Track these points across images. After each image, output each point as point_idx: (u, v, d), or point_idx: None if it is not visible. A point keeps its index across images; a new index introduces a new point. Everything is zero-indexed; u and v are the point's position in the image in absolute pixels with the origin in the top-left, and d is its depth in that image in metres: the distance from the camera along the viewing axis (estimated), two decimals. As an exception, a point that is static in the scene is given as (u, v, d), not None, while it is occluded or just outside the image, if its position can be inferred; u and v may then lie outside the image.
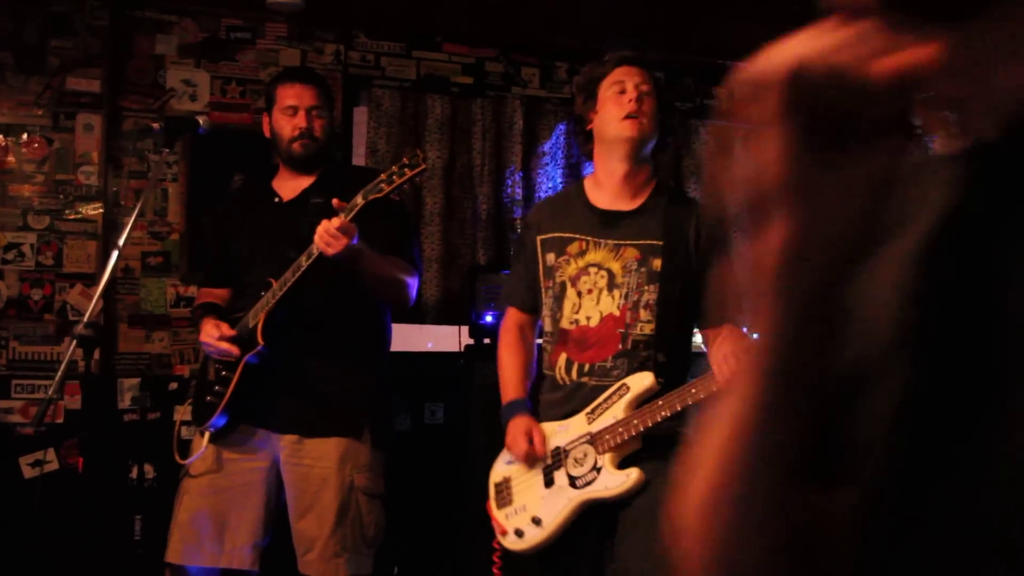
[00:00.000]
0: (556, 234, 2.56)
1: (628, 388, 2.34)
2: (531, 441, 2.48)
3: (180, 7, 4.22)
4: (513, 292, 2.71)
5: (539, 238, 2.59)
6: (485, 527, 3.82)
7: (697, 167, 4.97)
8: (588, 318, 2.45)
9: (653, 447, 2.32)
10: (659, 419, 2.25)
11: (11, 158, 4.00)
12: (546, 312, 2.57)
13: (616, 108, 2.44)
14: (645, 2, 4.17)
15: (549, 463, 2.45)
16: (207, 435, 2.86)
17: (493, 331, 4.00)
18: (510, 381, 2.62)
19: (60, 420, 3.97)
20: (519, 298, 2.68)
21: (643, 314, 2.41)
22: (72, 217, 4.05)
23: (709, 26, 4.52)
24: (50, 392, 2.62)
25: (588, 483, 2.33)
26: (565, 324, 2.49)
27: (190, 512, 2.83)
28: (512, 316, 2.71)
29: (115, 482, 3.97)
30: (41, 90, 4.03)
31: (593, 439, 2.36)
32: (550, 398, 2.54)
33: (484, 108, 4.61)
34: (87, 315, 2.71)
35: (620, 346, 2.41)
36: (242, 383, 2.78)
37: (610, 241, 2.47)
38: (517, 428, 2.52)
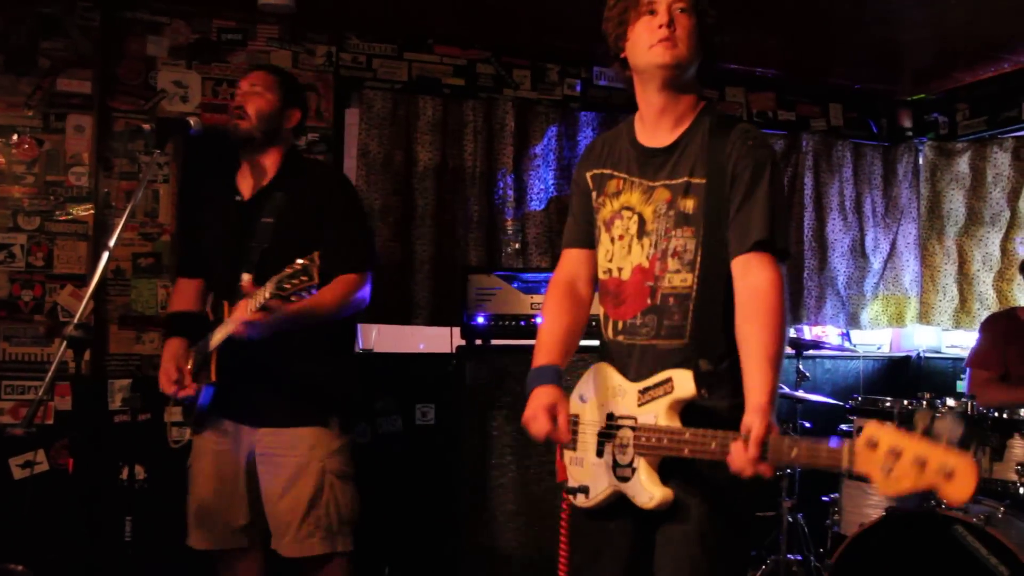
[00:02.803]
0: (599, 170, 2.35)
1: (672, 387, 2.09)
2: (555, 420, 2.15)
3: (171, 8, 4.22)
4: (567, 232, 2.45)
5: (588, 173, 2.39)
6: (476, 528, 3.84)
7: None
8: (620, 269, 2.25)
9: (694, 464, 2.08)
10: (683, 455, 2.01)
11: (1, 159, 3.99)
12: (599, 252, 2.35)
13: (647, 33, 2.15)
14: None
15: (603, 428, 2.22)
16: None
17: (485, 332, 4.02)
18: (543, 344, 2.30)
19: (50, 421, 3.96)
20: (570, 237, 2.43)
21: (671, 264, 2.17)
22: (63, 218, 4.04)
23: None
24: (40, 393, 2.60)
25: (624, 479, 2.15)
26: (601, 274, 2.32)
27: (193, 503, 3.11)
28: (563, 265, 2.44)
29: (105, 483, 3.96)
30: (31, 91, 4.02)
31: (636, 430, 2.11)
32: (606, 353, 2.33)
33: (475, 110, 4.61)
34: (77, 316, 2.69)
35: (648, 301, 2.19)
36: (217, 398, 3.02)
37: (645, 181, 2.23)
38: (539, 401, 2.17)
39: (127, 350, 4.11)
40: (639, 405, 2.15)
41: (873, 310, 5.35)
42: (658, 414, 2.09)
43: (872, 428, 1.64)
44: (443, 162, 4.57)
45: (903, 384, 5.19)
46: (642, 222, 2.22)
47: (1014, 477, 3.31)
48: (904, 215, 5.42)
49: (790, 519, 4.15)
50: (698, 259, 2.14)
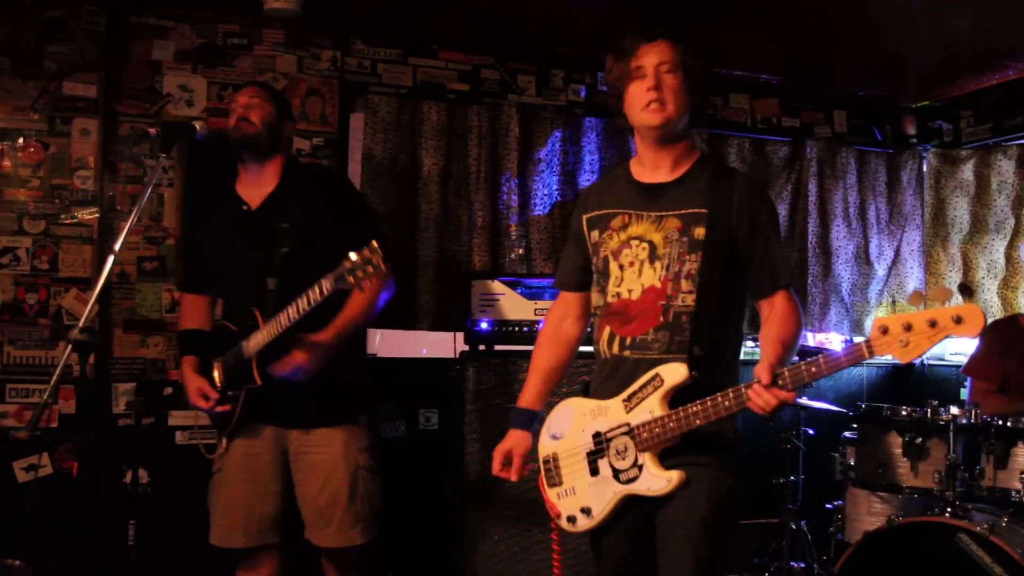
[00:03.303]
0: (599, 211, 2.52)
1: (662, 380, 2.27)
2: (507, 463, 2.56)
3: (177, 13, 4.23)
4: (560, 275, 2.70)
5: (584, 217, 2.56)
6: (479, 533, 3.84)
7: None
8: (630, 291, 2.40)
9: (694, 445, 2.28)
10: (694, 425, 2.21)
11: (7, 162, 4.00)
12: (595, 289, 2.54)
13: (638, 95, 2.36)
14: (642, 10, 4.18)
15: (592, 449, 2.40)
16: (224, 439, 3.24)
17: (488, 338, 4.02)
18: (527, 384, 2.64)
19: (54, 424, 3.96)
20: (563, 279, 2.67)
21: (684, 284, 2.34)
22: (68, 222, 4.05)
23: (708, 35, 4.53)
24: (45, 396, 2.61)
25: (631, 479, 2.30)
26: (609, 298, 2.45)
27: (223, 503, 3.21)
28: (557, 304, 2.70)
29: (109, 487, 3.97)
30: (37, 95, 4.03)
31: (632, 432, 2.30)
32: (597, 373, 2.50)
33: (480, 115, 4.62)
34: (82, 320, 2.70)
35: (661, 318, 2.35)
36: (247, 402, 3.12)
37: (652, 213, 2.42)
38: (502, 444, 2.58)
39: (131, 354, 4.11)
40: (628, 412, 2.32)
41: (877, 317, 5.33)
42: (652, 409, 2.26)
43: (880, 319, 1.92)
44: (447, 167, 4.58)
45: (907, 391, 5.19)
46: (652, 248, 2.39)
47: (1018, 485, 3.31)
48: (908, 222, 5.42)
49: (793, 526, 4.15)
50: (704, 282, 2.33)
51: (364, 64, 4.54)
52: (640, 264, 2.40)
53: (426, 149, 4.54)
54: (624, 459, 2.31)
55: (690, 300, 2.33)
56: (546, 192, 4.71)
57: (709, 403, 2.19)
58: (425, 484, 4.23)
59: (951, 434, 3.36)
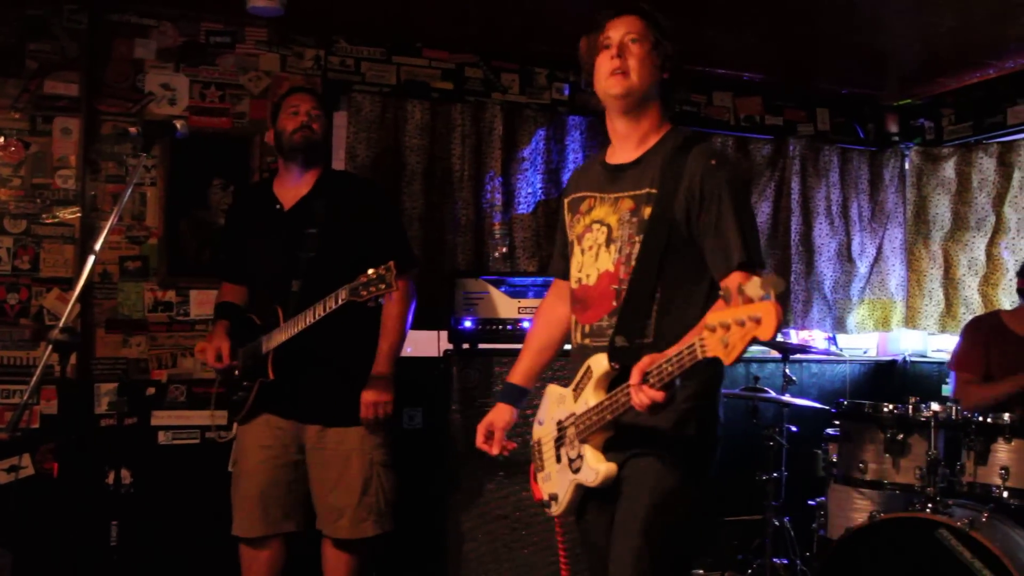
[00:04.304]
0: (575, 195, 2.51)
1: (591, 371, 2.25)
2: (489, 437, 2.58)
3: (159, 11, 4.21)
4: (552, 263, 2.70)
5: (566, 201, 2.56)
6: (464, 531, 3.84)
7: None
8: (588, 276, 2.38)
9: (650, 442, 2.24)
10: (606, 419, 2.17)
11: (-13, 161, 3.99)
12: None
13: (603, 65, 2.34)
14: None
15: (556, 436, 2.40)
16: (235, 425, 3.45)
17: (472, 336, 4.03)
18: (517, 362, 2.65)
19: (36, 425, 3.94)
20: (553, 265, 2.68)
21: (630, 267, 2.29)
22: (49, 221, 4.03)
23: (690, 33, 4.54)
24: (26, 397, 2.61)
25: (577, 469, 2.30)
26: (573, 284, 2.45)
27: (241, 494, 3.34)
28: (549, 292, 2.71)
29: (91, 487, 3.95)
30: (18, 93, 4.01)
31: (575, 422, 2.29)
32: (571, 361, 2.47)
33: (464, 113, 4.62)
34: (63, 320, 2.69)
35: (614, 303, 2.31)
36: (261, 393, 3.28)
37: (611, 195, 2.38)
38: (486, 417, 2.61)
39: (114, 354, 4.10)
40: (575, 402, 2.32)
41: (859, 314, 5.37)
42: (588, 400, 2.25)
43: (709, 315, 1.82)
44: (431, 166, 4.57)
45: (889, 388, 5.22)
46: (609, 231, 2.35)
47: (998, 481, 3.34)
48: (890, 220, 5.44)
49: (776, 523, 4.17)
50: (642, 261, 2.27)
51: (347, 63, 4.54)
52: (598, 248, 2.37)
53: (410, 148, 4.53)
54: (573, 448, 2.31)
55: (633, 283, 2.27)
56: (530, 191, 4.71)
57: (611, 397, 2.17)
58: (409, 483, 4.22)
59: (932, 430, 3.39)
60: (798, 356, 4.66)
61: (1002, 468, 3.34)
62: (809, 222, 5.26)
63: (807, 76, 5.26)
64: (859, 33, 4.53)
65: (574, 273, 2.44)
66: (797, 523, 4.21)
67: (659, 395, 1.99)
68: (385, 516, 3.35)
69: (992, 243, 5.06)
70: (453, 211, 4.59)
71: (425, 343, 4.45)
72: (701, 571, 4.20)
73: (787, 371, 4.34)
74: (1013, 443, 3.34)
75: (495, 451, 2.57)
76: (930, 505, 3.28)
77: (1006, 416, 3.38)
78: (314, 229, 3.27)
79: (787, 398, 4.19)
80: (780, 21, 4.40)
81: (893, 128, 5.60)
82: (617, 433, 2.25)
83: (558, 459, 2.39)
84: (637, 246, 2.27)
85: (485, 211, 4.64)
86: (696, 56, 4.90)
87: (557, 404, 2.42)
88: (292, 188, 3.40)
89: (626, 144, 2.41)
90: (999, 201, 5.04)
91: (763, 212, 5.16)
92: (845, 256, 5.35)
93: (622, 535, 2.23)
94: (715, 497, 2.39)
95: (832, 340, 5.45)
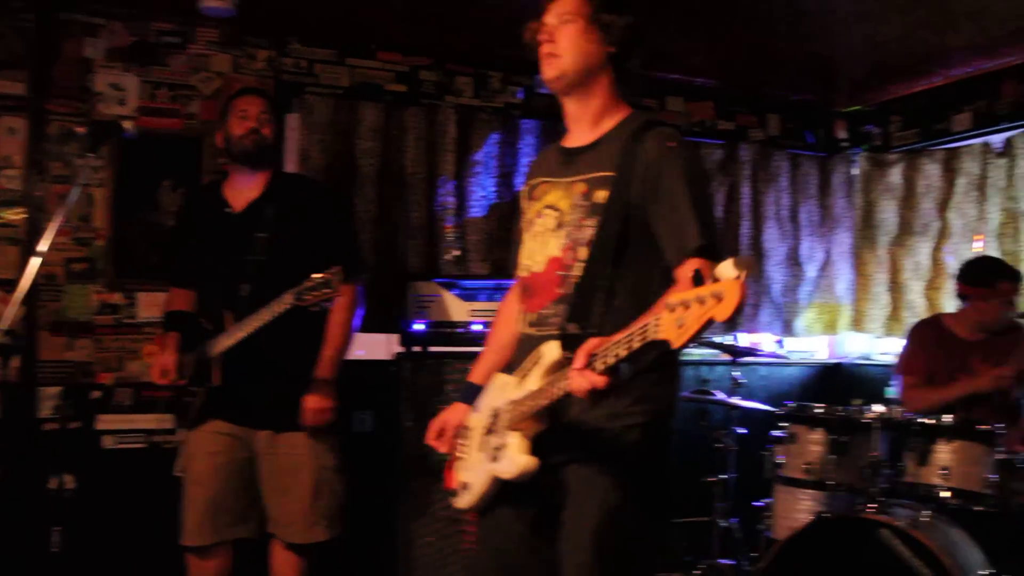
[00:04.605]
0: (532, 181, 2.42)
1: (542, 358, 2.11)
2: (441, 434, 2.44)
3: (108, 10, 4.16)
4: (513, 258, 2.51)
5: (523, 190, 2.45)
6: (414, 533, 3.84)
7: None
8: (535, 263, 2.28)
9: (593, 446, 2.12)
10: (541, 405, 2.04)
11: (-69, 161, 3.92)
12: None
13: (539, 51, 2.25)
14: (646, 27, 4.22)
15: (488, 423, 2.26)
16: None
17: (424, 339, 4.03)
18: (478, 360, 2.51)
19: (-22, 430, 3.88)
20: (512, 259, 2.49)
21: (581, 252, 2.17)
22: (-6, 222, 3.98)
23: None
24: (-35, 401, 2.57)
25: (496, 458, 2.16)
26: (522, 273, 2.35)
27: (192, 501, 3.28)
28: (513, 287, 2.53)
29: (33, 493, 3.89)
30: (-37, 92, 3.96)
31: (511, 408, 2.15)
32: (515, 350, 2.36)
33: (417, 116, 4.62)
34: (6, 322, 2.66)
35: (559, 290, 2.20)
36: (209, 399, 3.26)
37: (565, 179, 2.27)
38: (439, 416, 2.47)
39: (58, 357, 4.04)
40: (515, 388, 2.18)
41: (807, 318, 5.44)
42: (529, 387, 2.12)
43: (669, 295, 1.70)
44: (384, 168, 4.57)
45: (836, 390, 5.28)
46: (561, 215, 2.24)
47: (938, 481, 3.40)
48: (839, 224, 5.53)
49: (725, 524, 4.21)
50: (597, 248, 2.15)
51: (300, 64, 4.52)
52: (547, 234, 2.26)
53: (362, 150, 4.52)
54: (499, 436, 2.17)
55: (581, 269, 2.16)
56: (483, 194, 4.72)
57: (548, 383, 2.04)
58: (360, 486, 4.21)
59: (875, 432, 3.44)
60: (747, 359, 4.71)
61: (943, 469, 3.39)
62: (759, 226, 5.33)
63: (758, 82, 5.33)
64: (809, 41, 4.60)
65: (522, 261, 2.34)
66: (746, 524, 4.26)
67: (601, 380, 1.83)
68: (336, 520, 3.34)
69: (937, 248, 5.15)
70: (406, 214, 4.59)
71: (377, 346, 4.45)
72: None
73: (735, 374, 4.38)
74: (953, 444, 3.40)
75: (443, 449, 2.43)
76: (872, 505, 3.33)
77: (947, 418, 3.44)
78: (264, 233, 3.24)
79: (735, 401, 4.24)
80: (732, 28, 4.45)
81: (842, 134, 5.69)
82: (556, 431, 2.12)
83: (482, 447, 2.26)
84: (588, 230, 2.17)
85: (438, 214, 4.64)
86: (649, 61, 4.93)
87: (498, 391, 2.28)
88: (242, 191, 3.36)
89: (580, 125, 2.30)
90: (943, 207, 5.13)
91: (714, 215, 5.20)
92: (794, 260, 5.43)
93: (570, 552, 2.12)
94: (667, 511, 2.28)
95: (781, 343, 5.52)
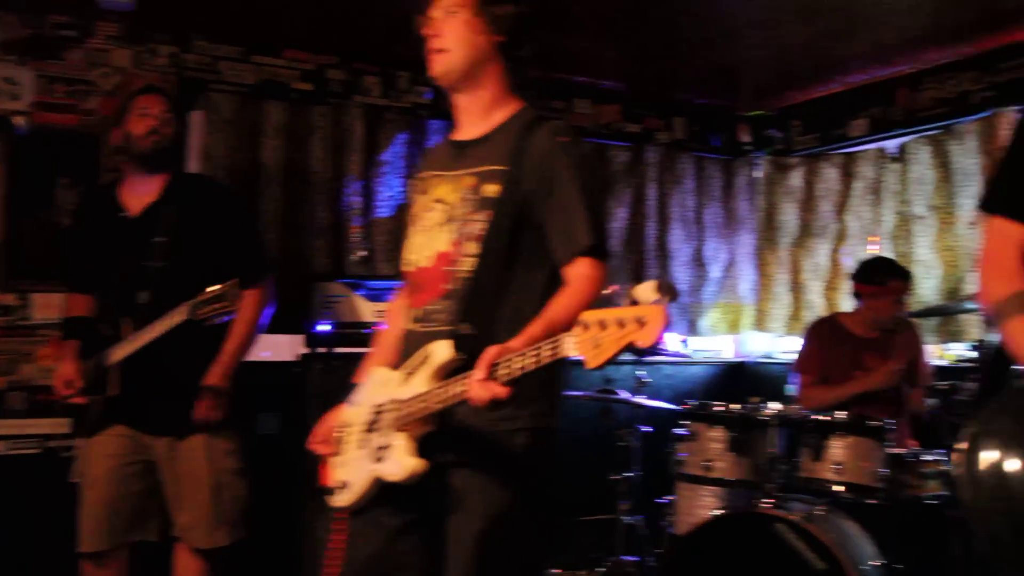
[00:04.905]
0: (421, 174, 2.36)
1: (431, 358, 2.06)
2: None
3: (1, 1, 4.04)
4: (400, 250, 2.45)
5: (413, 182, 2.40)
6: (319, 538, 3.80)
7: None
8: (422, 257, 2.22)
9: (479, 449, 2.08)
10: (434, 408, 1.99)
11: None
12: None
13: (427, 46, 2.21)
14: (536, 16, 4.24)
15: (369, 420, 2.17)
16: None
17: (329, 340, 4.00)
18: (365, 363, 2.42)
19: None
20: (400, 255, 2.40)
21: (470, 247, 2.13)
22: None
23: (547, 40, 4.60)
24: None
25: (380, 459, 2.08)
26: (407, 267, 2.28)
27: (88, 506, 3.19)
28: (404, 285, 2.43)
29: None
30: None
31: (397, 408, 2.08)
32: (400, 346, 2.28)
33: (324, 116, 4.59)
34: None
35: (446, 286, 2.15)
36: (107, 406, 3.16)
37: (454, 172, 2.22)
38: (325, 419, 2.37)
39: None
40: (401, 387, 2.11)
41: (711, 317, 5.56)
42: (418, 387, 2.06)
43: (585, 314, 1.68)
44: (290, 168, 4.52)
45: (739, 389, 5.39)
46: (448, 210, 2.20)
47: (832, 476, 3.50)
48: (742, 226, 5.66)
49: (630, 521, 4.27)
50: (487, 243, 2.12)
51: (204, 61, 4.45)
52: (435, 228, 2.20)
53: (268, 149, 4.48)
54: (384, 436, 2.09)
55: (469, 265, 2.12)
56: (390, 194, 4.71)
57: (444, 387, 1.98)
58: (264, 489, 4.17)
59: (772, 429, 3.53)
60: (652, 358, 4.78)
61: (837, 464, 3.49)
62: (665, 228, 5.43)
63: (665, 86, 5.42)
64: (714, 46, 4.70)
65: (407, 255, 2.28)
66: (650, 521, 4.32)
67: (504, 391, 1.82)
68: (239, 524, 3.29)
69: (835, 249, 5.30)
70: (311, 214, 4.55)
71: (282, 347, 4.39)
72: (556, 571, 4.27)
73: (639, 373, 4.45)
74: (847, 440, 3.50)
75: (323, 450, 2.31)
76: (769, 500, 3.42)
77: (840, 414, 3.54)
78: (162, 238, 3.13)
79: (639, 400, 4.30)
80: (639, 31, 4.52)
81: (745, 138, 5.82)
82: (441, 433, 2.07)
83: (362, 445, 2.16)
84: (477, 225, 2.13)
85: (344, 214, 4.61)
86: (557, 64, 4.99)
87: (380, 387, 2.20)
88: (139, 194, 3.25)
89: (470, 118, 2.25)
90: (841, 209, 5.29)
91: (620, 218, 5.30)
92: (698, 261, 5.55)
93: (455, 557, 2.09)
94: (551, 514, 2.27)
95: (684, 342, 5.63)
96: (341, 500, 2.21)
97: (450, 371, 2.03)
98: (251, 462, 4.22)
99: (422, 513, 2.16)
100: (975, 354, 4.10)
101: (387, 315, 2.51)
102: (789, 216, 5.54)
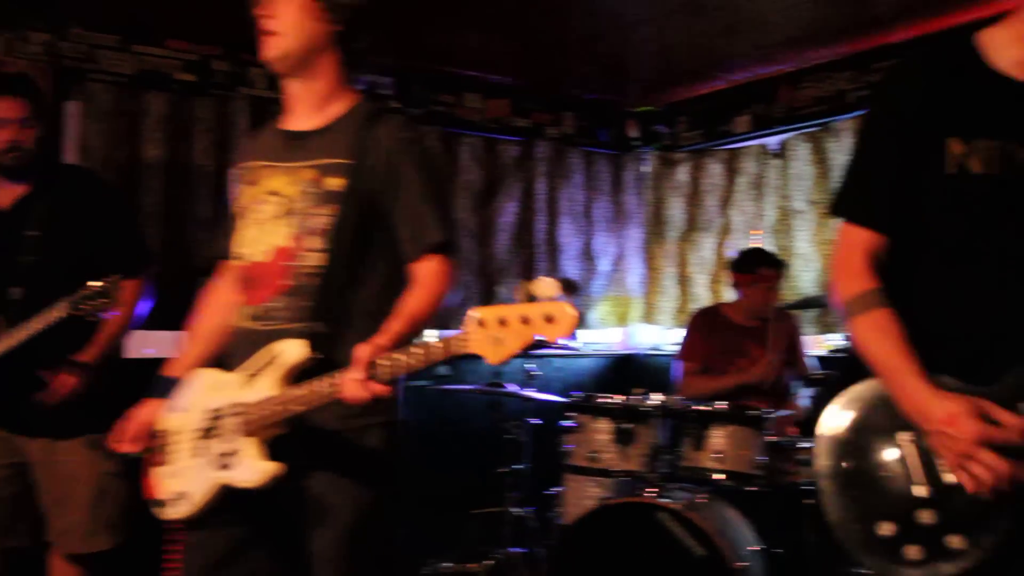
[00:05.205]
0: (245, 163, 2.25)
1: (279, 357, 1.99)
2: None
3: None
4: (215, 242, 2.36)
5: (235, 171, 2.30)
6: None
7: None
8: (257, 252, 2.12)
9: (332, 450, 2.04)
10: (294, 411, 1.93)
11: None
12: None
13: (258, 27, 2.13)
14: (375, 7, 4.20)
15: (205, 427, 2.06)
16: None
17: (213, 336, 3.91)
18: (180, 354, 2.30)
19: None
20: (219, 246, 2.31)
21: (313, 242, 2.06)
22: None
23: (437, 34, 4.62)
24: None
25: (227, 466, 2.00)
26: (236, 261, 2.19)
27: None
28: (217, 272, 2.35)
29: None
30: None
31: (243, 412, 1.99)
32: (230, 345, 2.18)
33: (207, 107, 4.50)
34: None
35: (286, 282, 2.07)
36: None
37: (291, 164, 2.13)
38: (133, 414, 2.25)
39: None
40: (244, 389, 2.03)
41: (601, 310, 5.64)
42: (266, 389, 1.99)
43: (477, 311, 1.69)
44: (172, 160, 4.42)
45: (628, 381, 5.47)
46: (286, 203, 2.11)
47: (713, 465, 3.59)
48: (630, 220, 5.76)
49: (519, 513, 4.30)
50: (335, 238, 2.06)
51: (81, 50, 4.31)
52: (271, 221, 2.11)
53: (149, 141, 4.37)
54: (227, 442, 2.00)
55: (315, 260, 2.06)
56: (276, 188, 4.64)
57: (307, 388, 1.92)
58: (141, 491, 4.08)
59: (655, 420, 3.60)
60: (541, 351, 4.83)
61: (718, 452, 3.59)
62: (554, 222, 5.48)
63: (554, 81, 5.47)
64: (602, 41, 4.75)
65: (237, 249, 2.18)
66: (540, 513, 4.36)
67: (385, 390, 1.81)
68: (119, 527, 3.20)
69: (720, 243, 5.43)
70: (194, 207, 4.46)
71: (165, 344, 4.30)
72: (447, 564, 4.28)
73: (528, 366, 4.48)
74: (727, 429, 3.60)
75: (127, 448, 2.22)
76: (652, 490, 3.49)
77: (721, 404, 3.64)
78: (34, 232, 3.03)
79: (527, 392, 4.33)
80: (528, 26, 4.55)
81: (634, 133, 5.91)
82: (291, 435, 1.99)
83: (199, 453, 2.06)
84: (320, 219, 2.07)
85: (228, 208, 4.52)
86: (447, 58, 4.99)
87: (211, 391, 2.10)
88: (8, 187, 3.13)
89: (303, 107, 2.18)
90: (726, 204, 5.42)
91: (510, 212, 5.33)
92: (588, 255, 5.62)
93: (319, 564, 2.04)
94: (403, 510, 2.24)
95: (574, 335, 5.69)
96: (177, 512, 2.09)
97: (303, 371, 1.97)
98: (132, 464, 4.13)
99: (271, 521, 2.09)
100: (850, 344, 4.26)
101: (200, 306, 2.37)
102: (676, 210, 5.65)
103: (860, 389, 1.86)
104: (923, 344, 1.75)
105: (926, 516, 1.73)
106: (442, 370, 4.88)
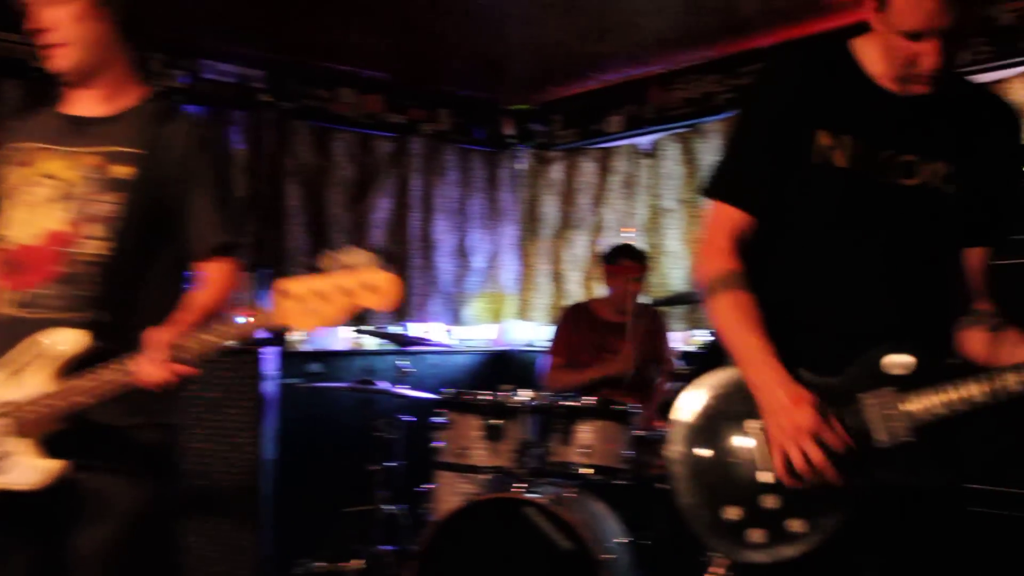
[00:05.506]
0: (18, 144, 2.15)
1: (49, 349, 1.90)
2: None
3: None
4: None
5: (3, 152, 2.18)
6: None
7: (299, 168, 4.98)
8: (26, 235, 2.04)
9: (106, 446, 1.96)
10: (79, 405, 1.87)
11: None
12: None
13: (36, 38, 2.06)
14: (245, 1, 4.12)
15: None
16: None
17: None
18: None
19: None
20: None
21: (91, 229, 2.01)
22: None
23: (311, 28, 4.55)
24: None
25: (1, 470, 1.90)
26: (1, 243, 2.09)
27: None
28: None
29: None
30: None
31: (18, 410, 1.90)
32: None
33: (66, 96, 4.32)
34: None
35: (62, 269, 2.00)
36: None
37: (71, 148, 2.07)
38: None
39: None
40: (11, 385, 1.93)
41: (475, 307, 5.66)
42: (38, 383, 1.91)
43: (284, 283, 1.69)
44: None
45: (503, 377, 5.49)
46: (64, 187, 2.05)
47: (581, 459, 3.63)
48: (505, 217, 5.79)
49: (391, 510, 4.27)
50: (121, 228, 2.02)
51: None
52: (43, 205, 2.04)
53: (1, 132, 4.16)
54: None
55: (94, 248, 2.01)
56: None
57: (94, 379, 1.87)
58: None
59: (523, 416, 3.62)
60: (415, 348, 4.82)
61: (585, 447, 3.63)
62: (429, 218, 5.47)
63: (430, 77, 5.45)
64: (478, 38, 4.76)
65: (2, 231, 2.09)
66: (412, 510, 4.34)
67: (189, 370, 1.82)
68: None
69: (593, 241, 5.51)
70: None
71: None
72: (319, 563, 4.22)
73: (401, 363, 4.46)
74: (594, 424, 3.64)
75: None
76: (521, 485, 3.51)
77: (587, 399, 3.68)
78: None
79: (400, 390, 4.31)
80: (403, 21, 4.52)
81: (509, 131, 5.94)
82: (65, 432, 1.92)
83: None
84: (103, 206, 2.02)
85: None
86: (320, 52, 4.92)
87: None
88: None
89: (88, 94, 2.13)
90: (599, 202, 5.50)
91: (384, 208, 5.29)
92: (462, 252, 5.63)
93: (86, 565, 1.97)
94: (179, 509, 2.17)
95: (449, 332, 5.69)
96: None
97: (80, 362, 1.91)
98: None
99: (35, 524, 2.00)
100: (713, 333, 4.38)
101: None
102: (550, 208, 5.71)
103: (716, 377, 1.91)
104: (774, 329, 1.82)
105: (770, 501, 1.79)
106: (314, 368, 4.82)
